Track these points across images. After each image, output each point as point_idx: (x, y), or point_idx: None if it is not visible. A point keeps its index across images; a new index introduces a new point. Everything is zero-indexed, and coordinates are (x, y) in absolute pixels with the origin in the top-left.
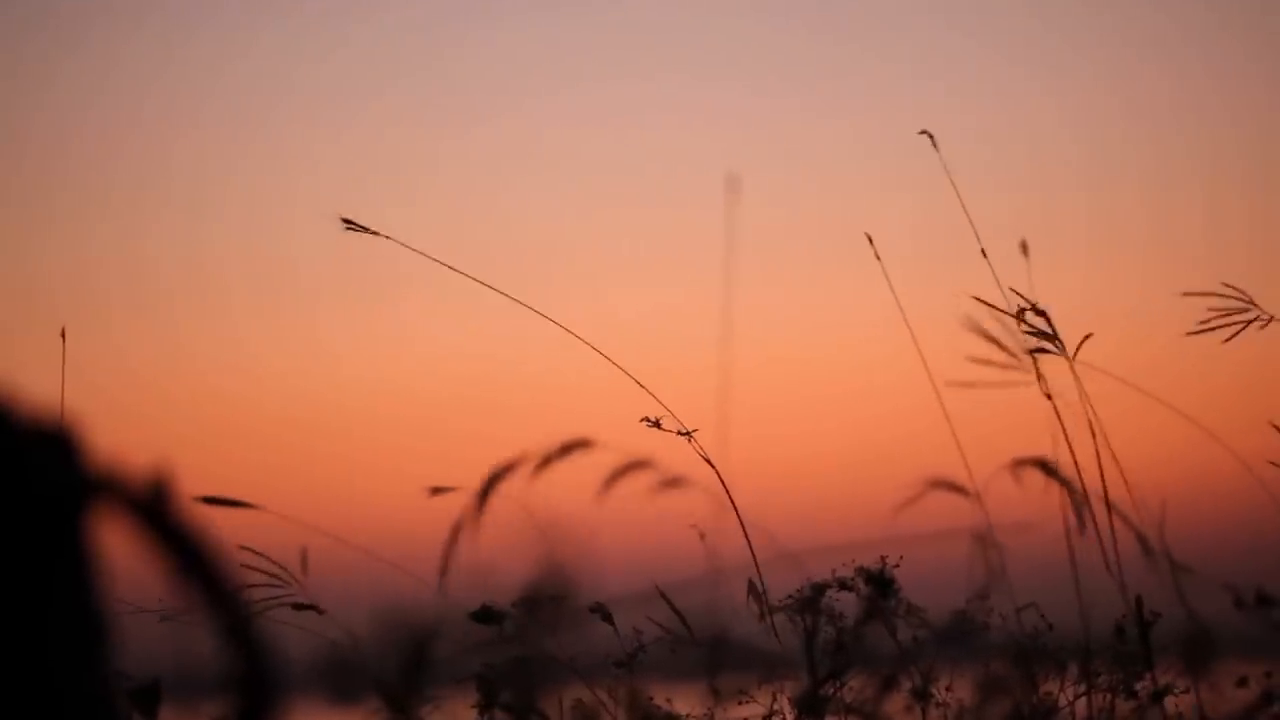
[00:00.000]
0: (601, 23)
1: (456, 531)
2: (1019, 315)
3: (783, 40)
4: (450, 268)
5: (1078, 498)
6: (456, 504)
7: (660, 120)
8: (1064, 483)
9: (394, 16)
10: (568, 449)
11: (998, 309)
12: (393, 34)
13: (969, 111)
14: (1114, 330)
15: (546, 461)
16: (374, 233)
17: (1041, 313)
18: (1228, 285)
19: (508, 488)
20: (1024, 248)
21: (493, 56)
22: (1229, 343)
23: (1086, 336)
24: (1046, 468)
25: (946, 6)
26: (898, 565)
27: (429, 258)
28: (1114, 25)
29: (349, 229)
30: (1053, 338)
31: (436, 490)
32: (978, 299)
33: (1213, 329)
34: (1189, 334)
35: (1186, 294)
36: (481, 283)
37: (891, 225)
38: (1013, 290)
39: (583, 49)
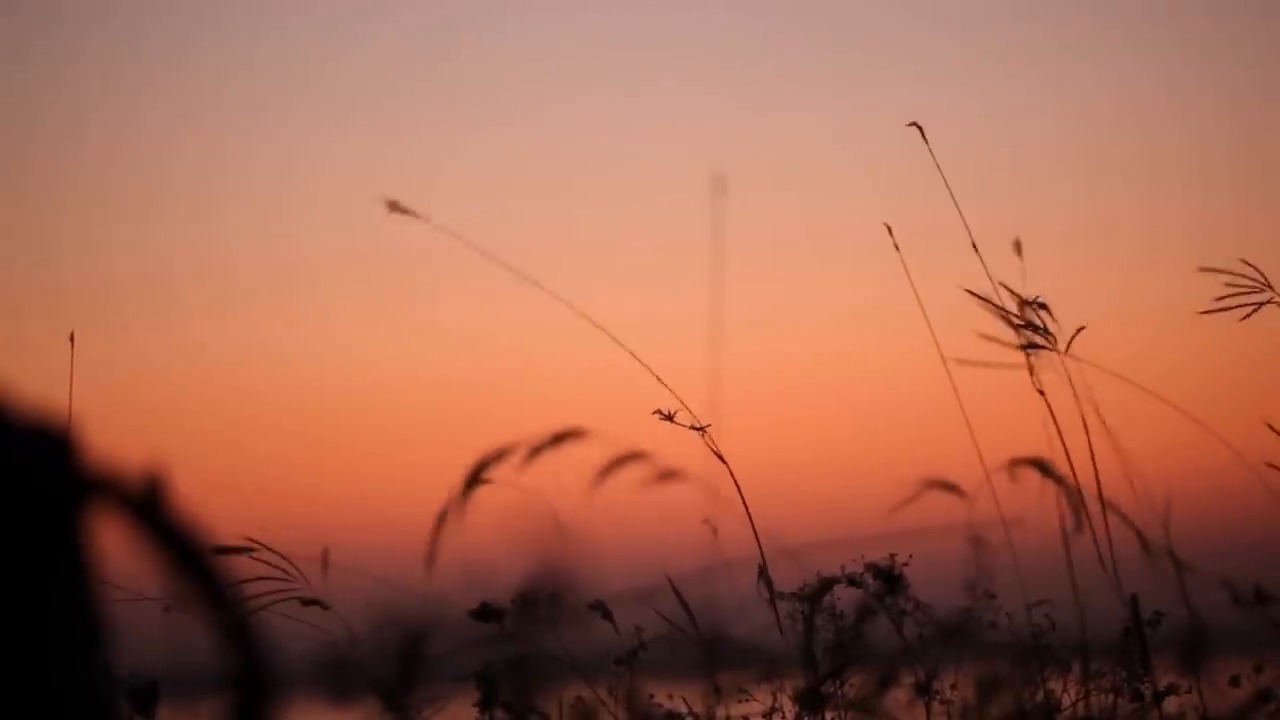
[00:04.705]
0: (589, 30)
1: (441, 520)
2: (1020, 306)
3: (764, 41)
4: (491, 256)
5: (1073, 496)
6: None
7: (648, 123)
8: (1059, 481)
9: (399, 21)
10: (560, 438)
11: (992, 304)
12: (396, 40)
13: (952, 110)
14: (1104, 326)
15: (537, 451)
16: (417, 216)
17: (1042, 306)
18: (1245, 262)
19: (503, 480)
20: (1017, 247)
21: (493, 62)
22: (1245, 320)
23: (1078, 330)
24: (1042, 467)
25: (931, 9)
26: (906, 563)
27: (470, 244)
28: (1108, 26)
29: (394, 212)
30: (1044, 332)
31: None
32: (972, 293)
33: (1227, 308)
34: (1202, 313)
35: (1204, 269)
36: (516, 270)
37: (875, 223)
38: (1003, 285)
39: (571, 57)
